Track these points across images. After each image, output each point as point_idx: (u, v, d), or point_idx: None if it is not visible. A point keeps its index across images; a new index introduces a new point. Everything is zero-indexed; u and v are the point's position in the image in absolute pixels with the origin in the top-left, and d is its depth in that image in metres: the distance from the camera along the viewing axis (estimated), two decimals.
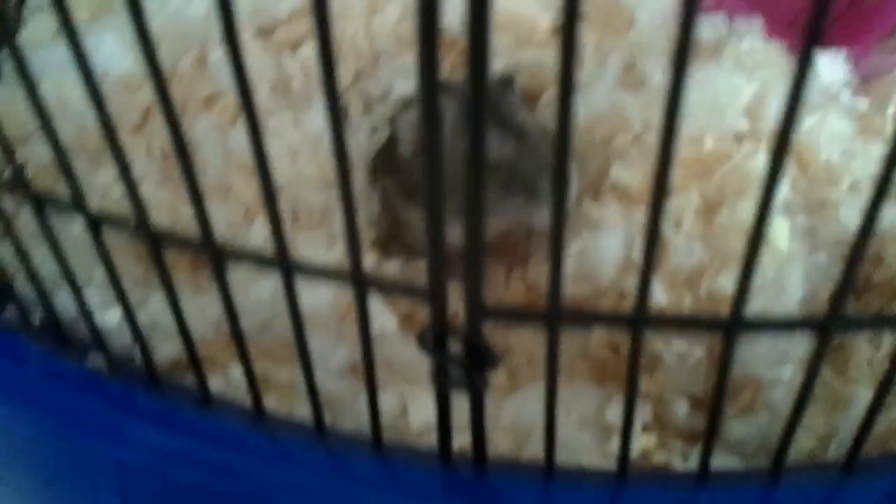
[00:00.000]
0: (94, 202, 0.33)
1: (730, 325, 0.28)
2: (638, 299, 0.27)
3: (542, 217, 0.46)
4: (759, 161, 0.46)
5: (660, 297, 0.44)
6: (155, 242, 0.32)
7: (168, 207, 0.50)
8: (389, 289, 0.32)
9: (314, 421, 0.37)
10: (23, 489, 0.47)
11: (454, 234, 0.28)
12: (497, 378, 0.48)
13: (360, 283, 0.30)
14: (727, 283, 0.44)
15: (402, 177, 0.51)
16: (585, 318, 0.32)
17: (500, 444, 0.43)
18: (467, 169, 0.25)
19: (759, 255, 0.26)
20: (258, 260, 0.31)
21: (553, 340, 0.29)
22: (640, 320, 0.28)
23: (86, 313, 0.38)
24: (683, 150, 0.50)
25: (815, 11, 0.20)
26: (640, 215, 0.47)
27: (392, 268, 0.50)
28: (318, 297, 0.46)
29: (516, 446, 0.43)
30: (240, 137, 0.50)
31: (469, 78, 0.23)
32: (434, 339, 0.30)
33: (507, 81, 0.49)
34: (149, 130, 0.53)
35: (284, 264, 0.30)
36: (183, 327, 0.36)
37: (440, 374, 0.31)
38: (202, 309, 0.44)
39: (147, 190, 0.52)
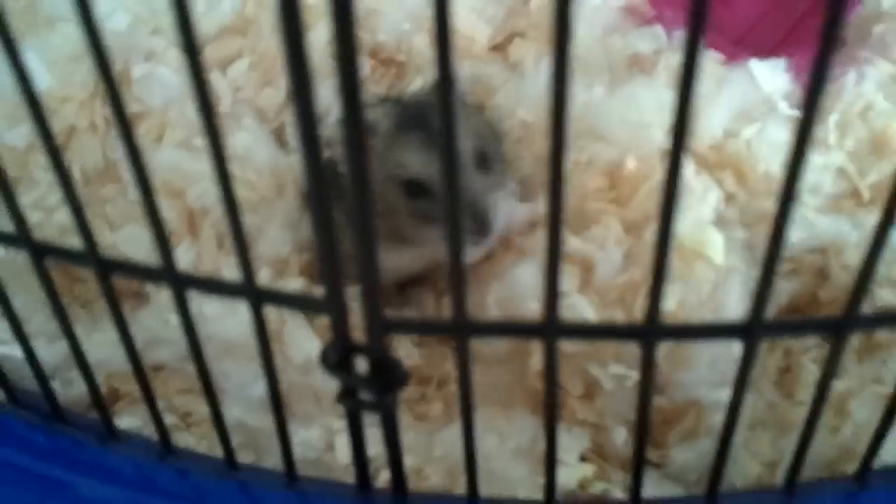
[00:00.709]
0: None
1: (647, 332, 0.26)
2: (547, 308, 0.25)
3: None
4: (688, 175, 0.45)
5: (588, 314, 0.42)
6: (104, 269, 0.29)
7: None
8: (286, 302, 0.30)
9: (224, 455, 0.34)
10: None
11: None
12: (432, 409, 0.46)
13: (255, 296, 0.28)
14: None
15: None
16: (492, 329, 0.30)
17: (433, 476, 0.41)
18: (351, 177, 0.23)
19: (668, 257, 0.24)
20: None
21: (463, 351, 0.27)
22: (552, 329, 0.26)
23: None
24: (606, 171, 0.48)
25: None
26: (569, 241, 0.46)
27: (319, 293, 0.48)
28: (240, 324, 0.44)
29: (450, 479, 0.40)
30: (163, 157, 0.48)
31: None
32: (336, 355, 0.28)
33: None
34: (71, 151, 0.51)
35: (175, 279, 0.28)
36: (81, 361, 0.34)
37: (346, 395, 0.29)
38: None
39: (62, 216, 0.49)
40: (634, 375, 0.41)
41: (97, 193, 0.51)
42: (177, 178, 0.48)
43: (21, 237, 0.30)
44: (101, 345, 0.41)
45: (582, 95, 0.50)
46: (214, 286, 0.29)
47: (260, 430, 0.42)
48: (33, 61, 0.49)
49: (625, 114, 0.49)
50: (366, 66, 0.56)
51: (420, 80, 0.57)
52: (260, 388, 0.43)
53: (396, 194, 0.46)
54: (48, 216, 0.49)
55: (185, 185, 0.48)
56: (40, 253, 0.30)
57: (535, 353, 0.43)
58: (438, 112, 0.22)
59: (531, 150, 0.53)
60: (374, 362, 0.28)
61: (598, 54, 0.54)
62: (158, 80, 0.50)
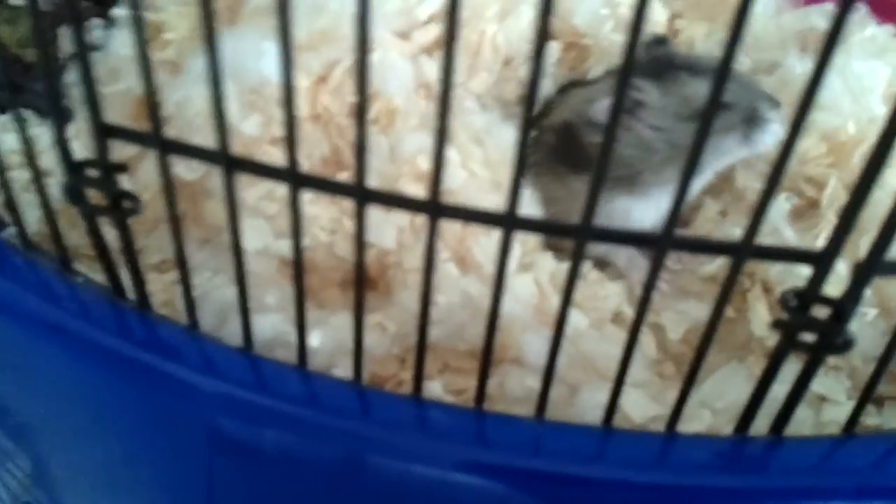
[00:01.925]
0: None
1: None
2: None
3: None
4: None
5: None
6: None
7: None
8: None
9: None
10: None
11: None
12: None
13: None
14: None
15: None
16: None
17: None
18: None
19: None
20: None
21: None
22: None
23: None
24: (825, 137, 0.52)
25: None
26: None
27: None
28: None
29: None
30: (409, 142, 0.48)
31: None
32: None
33: (661, 41, 0.52)
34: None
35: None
36: None
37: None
38: None
39: None
40: None
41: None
42: (423, 162, 0.48)
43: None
44: None
45: (798, 68, 0.53)
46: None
47: None
48: (272, 52, 0.48)
49: (837, 83, 0.52)
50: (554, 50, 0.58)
51: (603, 66, 0.59)
52: None
53: (686, 129, 0.52)
54: (282, 207, 0.49)
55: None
56: None
57: None
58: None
59: None
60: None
61: (772, 32, 0.58)
62: (391, 66, 0.50)
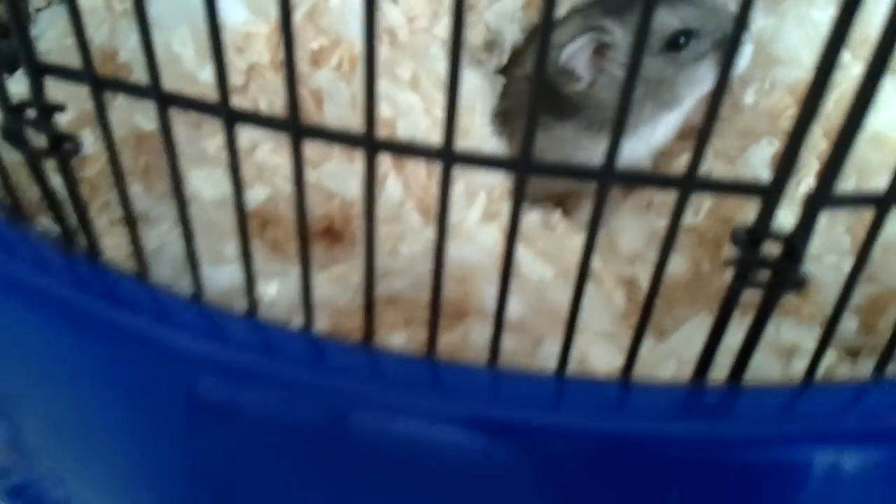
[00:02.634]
0: None
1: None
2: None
3: None
4: None
5: None
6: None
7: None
8: None
9: None
10: None
11: None
12: None
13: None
14: None
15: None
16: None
17: None
18: None
19: None
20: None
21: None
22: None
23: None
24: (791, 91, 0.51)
25: None
26: None
27: None
28: None
29: None
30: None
31: None
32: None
33: None
34: (252, 91, 0.49)
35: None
36: None
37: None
38: None
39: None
40: None
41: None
42: (386, 109, 0.47)
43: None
44: None
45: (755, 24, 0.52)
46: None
47: None
48: None
49: (797, 35, 0.51)
50: None
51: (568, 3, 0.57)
52: None
53: (658, 61, 0.51)
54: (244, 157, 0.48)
55: (394, 116, 0.47)
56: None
57: None
58: None
59: None
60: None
61: None
62: (352, 11, 0.48)
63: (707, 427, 0.33)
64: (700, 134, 0.26)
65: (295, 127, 0.29)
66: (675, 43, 0.51)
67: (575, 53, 0.50)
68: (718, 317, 0.32)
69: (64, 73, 0.33)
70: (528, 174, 0.29)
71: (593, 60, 0.52)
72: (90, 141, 0.49)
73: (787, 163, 0.26)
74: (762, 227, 0.29)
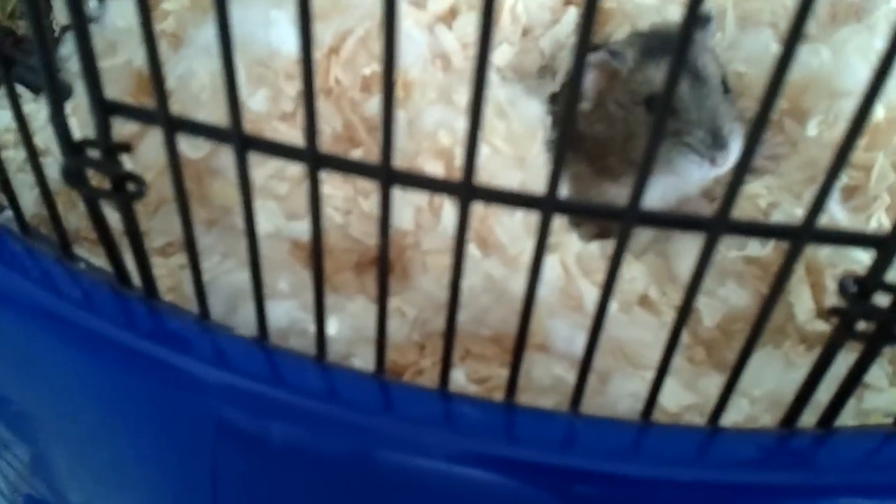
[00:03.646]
0: None
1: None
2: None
3: None
4: None
5: None
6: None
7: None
8: None
9: None
10: None
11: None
12: None
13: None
14: None
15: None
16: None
17: None
18: None
19: None
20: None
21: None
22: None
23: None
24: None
25: None
26: None
27: None
28: None
29: None
30: (429, 116, 0.46)
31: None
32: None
33: (705, 19, 0.50)
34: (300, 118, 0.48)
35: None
36: None
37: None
38: None
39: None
40: None
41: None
42: (444, 137, 0.45)
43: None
44: None
45: (812, 60, 0.51)
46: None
47: None
48: (282, 21, 0.45)
49: (862, 67, 0.50)
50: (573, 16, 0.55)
51: (625, 29, 0.56)
52: None
53: (639, 115, 0.49)
54: (293, 187, 0.46)
55: (452, 144, 0.46)
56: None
57: None
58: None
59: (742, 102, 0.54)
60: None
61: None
62: (406, 37, 0.47)
63: (800, 476, 0.32)
64: (820, 188, 0.25)
65: (386, 173, 0.28)
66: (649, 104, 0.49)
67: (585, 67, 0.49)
68: (816, 366, 0.31)
69: (134, 112, 0.31)
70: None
71: (599, 84, 0.50)
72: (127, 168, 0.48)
73: None
74: (875, 279, 0.27)
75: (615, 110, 0.50)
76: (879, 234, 0.27)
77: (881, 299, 0.28)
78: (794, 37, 0.22)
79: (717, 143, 0.47)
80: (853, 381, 0.32)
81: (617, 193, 0.52)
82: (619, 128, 0.50)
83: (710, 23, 0.51)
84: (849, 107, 0.49)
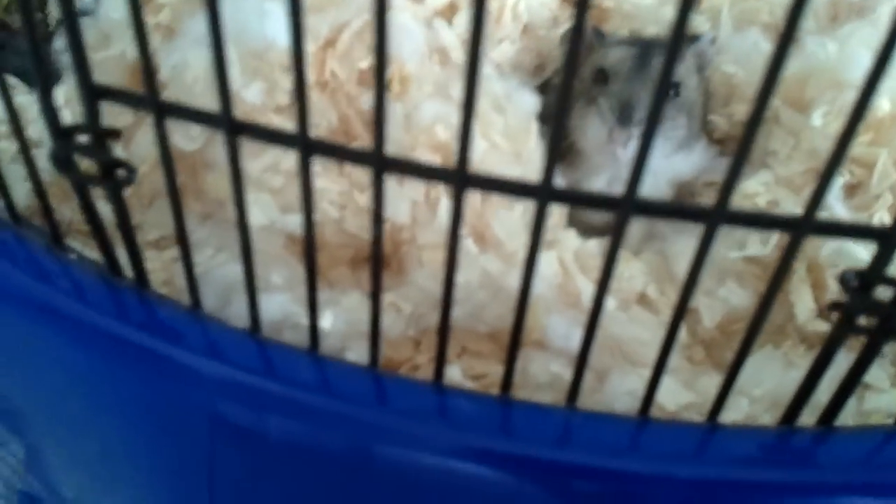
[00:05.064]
0: None
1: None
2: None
3: None
4: None
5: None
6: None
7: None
8: None
9: None
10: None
11: None
12: None
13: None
14: None
15: None
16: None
17: None
18: None
19: None
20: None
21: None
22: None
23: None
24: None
25: None
26: None
27: None
28: None
29: None
30: (426, 110, 0.45)
31: None
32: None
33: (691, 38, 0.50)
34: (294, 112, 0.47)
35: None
36: None
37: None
38: None
39: None
40: None
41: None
42: (441, 132, 0.45)
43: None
44: None
45: (817, 50, 0.50)
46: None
47: None
48: (277, 13, 0.45)
49: (867, 59, 0.49)
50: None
51: (625, 29, 0.56)
52: None
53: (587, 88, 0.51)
54: (288, 180, 0.46)
55: (449, 139, 0.45)
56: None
57: None
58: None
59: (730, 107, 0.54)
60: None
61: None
62: (403, 30, 0.46)
63: (800, 474, 0.32)
64: (820, 179, 0.25)
65: (378, 160, 0.27)
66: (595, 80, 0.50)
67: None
68: (817, 363, 0.31)
69: (123, 97, 0.31)
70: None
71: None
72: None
73: None
74: (877, 272, 0.27)
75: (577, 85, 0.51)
76: (880, 227, 0.26)
77: (883, 294, 0.28)
78: (787, 36, 0.22)
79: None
80: (854, 378, 0.31)
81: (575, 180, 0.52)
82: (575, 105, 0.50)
83: (696, 41, 0.51)
84: (854, 98, 0.49)
